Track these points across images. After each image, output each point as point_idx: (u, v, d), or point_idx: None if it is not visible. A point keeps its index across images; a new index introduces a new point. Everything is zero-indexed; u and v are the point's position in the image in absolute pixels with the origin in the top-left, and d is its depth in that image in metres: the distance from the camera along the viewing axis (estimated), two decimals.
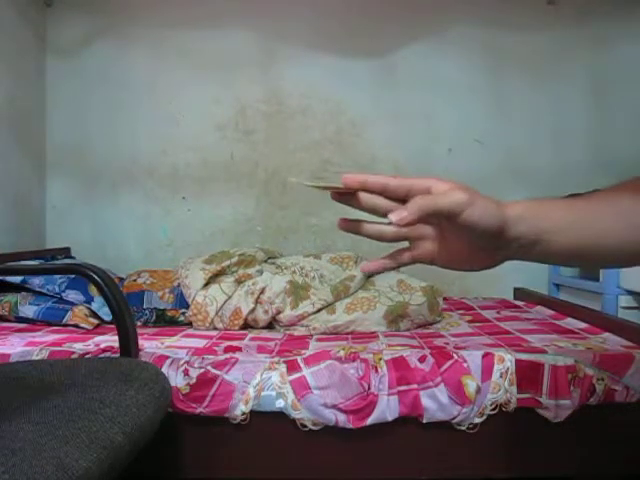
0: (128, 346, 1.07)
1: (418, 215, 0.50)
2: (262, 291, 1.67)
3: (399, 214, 0.50)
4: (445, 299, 1.94)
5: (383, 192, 0.54)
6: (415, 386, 1.13)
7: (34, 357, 1.22)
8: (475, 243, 0.54)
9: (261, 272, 1.79)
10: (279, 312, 1.65)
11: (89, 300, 1.72)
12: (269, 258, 1.96)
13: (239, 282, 1.74)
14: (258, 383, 1.15)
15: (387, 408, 1.12)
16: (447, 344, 1.36)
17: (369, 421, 1.12)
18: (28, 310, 1.68)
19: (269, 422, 1.15)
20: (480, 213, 0.51)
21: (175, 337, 1.52)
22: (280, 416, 1.14)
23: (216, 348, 1.33)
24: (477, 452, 1.15)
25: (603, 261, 0.61)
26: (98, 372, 0.93)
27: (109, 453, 0.70)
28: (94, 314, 1.70)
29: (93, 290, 1.72)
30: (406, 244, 0.58)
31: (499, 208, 0.52)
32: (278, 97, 2.40)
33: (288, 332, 1.62)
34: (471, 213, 0.50)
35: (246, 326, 1.68)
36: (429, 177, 0.54)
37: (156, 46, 2.40)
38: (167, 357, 1.19)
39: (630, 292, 1.87)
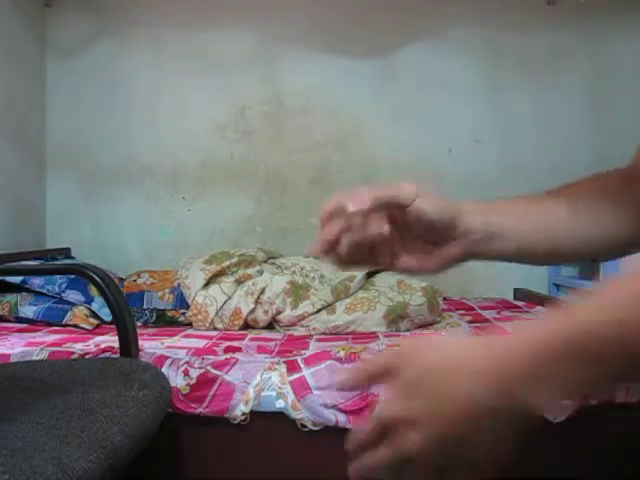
0: (128, 346, 1.07)
1: (371, 202, 0.52)
2: (262, 291, 1.67)
3: (354, 203, 0.52)
4: (445, 299, 1.94)
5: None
6: None
7: (34, 357, 1.22)
8: (428, 238, 0.56)
9: (261, 272, 1.79)
10: (279, 312, 1.65)
11: (89, 300, 1.72)
12: (269, 258, 1.96)
13: (239, 282, 1.74)
14: (258, 383, 1.15)
15: None
16: None
17: None
18: (28, 310, 1.68)
19: (269, 422, 1.15)
20: (429, 203, 0.54)
21: (175, 337, 1.52)
22: (280, 416, 1.14)
23: (216, 348, 1.34)
24: None
25: (562, 254, 0.62)
26: (98, 372, 0.93)
27: (109, 453, 0.70)
28: (94, 314, 1.70)
29: (93, 290, 1.72)
30: None
31: (450, 202, 0.55)
32: (278, 97, 2.40)
33: (288, 332, 1.62)
34: (420, 202, 0.53)
35: (246, 326, 1.68)
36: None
37: (156, 46, 2.40)
38: (167, 357, 1.19)
39: None
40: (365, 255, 0.56)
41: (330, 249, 0.55)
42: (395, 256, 0.58)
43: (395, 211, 0.55)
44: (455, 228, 0.55)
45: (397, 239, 0.57)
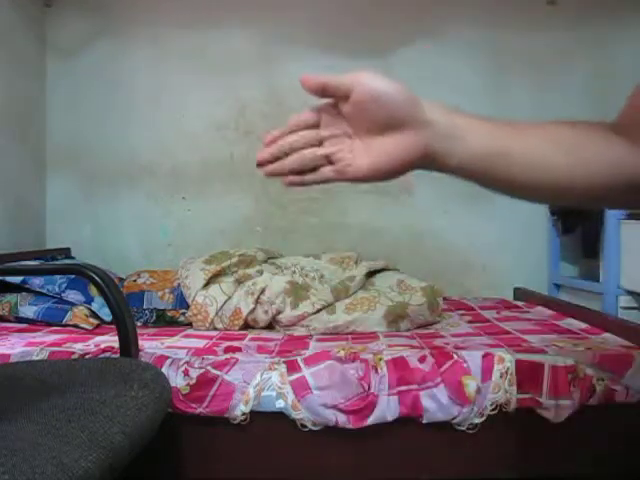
0: (128, 346, 1.07)
1: (323, 80, 0.52)
2: (262, 291, 1.67)
3: (307, 78, 0.54)
4: (445, 299, 1.94)
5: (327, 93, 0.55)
6: (415, 386, 1.13)
7: (34, 357, 1.22)
8: (388, 124, 0.52)
9: (261, 272, 1.79)
10: (279, 312, 1.65)
11: (89, 300, 1.72)
12: (269, 258, 1.96)
13: (239, 282, 1.74)
14: (258, 383, 1.15)
15: (387, 408, 1.12)
16: (447, 344, 1.36)
17: (369, 421, 1.12)
18: (28, 310, 1.68)
19: (269, 422, 1.15)
20: (383, 80, 0.52)
21: (175, 337, 1.52)
22: (280, 416, 1.14)
23: (216, 348, 1.34)
24: (477, 452, 1.15)
25: (535, 187, 0.57)
26: (98, 372, 0.93)
27: (109, 453, 0.70)
28: (94, 314, 1.70)
29: (93, 290, 1.72)
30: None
31: (406, 87, 0.53)
32: (278, 97, 2.40)
33: (288, 332, 1.62)
34: (374, 79, 0.52)
35: (246, 326, 1.68)
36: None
37: (156, 46, 2.40)
38: (167, 357, 1.19)
39: (630, 292, 1.87)
40: (317, 161, 0.55)
41: (275, 159, 0.56)
42: (345, 158, 0.54)
43: (345, 100, 0.53)
44: (414, 111, 0.52)
45: (350, 133, 0.54)
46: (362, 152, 0.54)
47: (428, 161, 0.54)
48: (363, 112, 0.53)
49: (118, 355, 1.09)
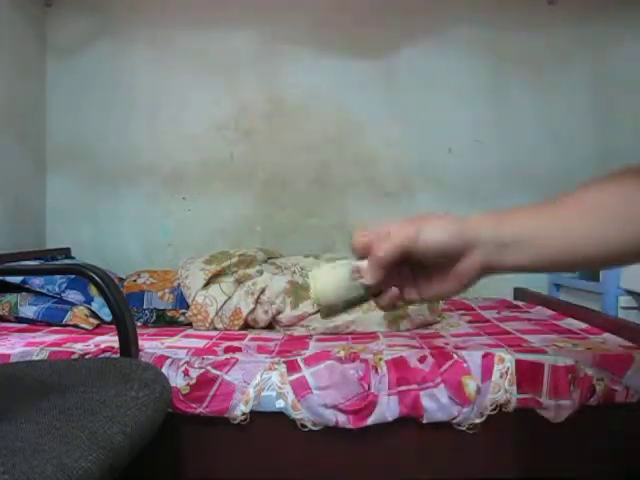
0: (128, 346, 1.07)
1: (382, 265, 0.55)
2: (262, 291, 1.67)
3: (369, 276, 0.55)
4: (445, 299, 1.94)
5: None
6: (415, 386, 1.13)
7: (34, 357, 1.22)
8: (445, 260, 0.56)
9: (261, 272, 1.79)
10: (279, 312, 1.65)
11: (89, 300, 1.72)
12: (269, 258, 1.96)
13: (239, 282, 1.74)
14: (258, 383, 1.15)
15: (387, 408, 1.12)
16: (447, 344, 1.36)
17: (369, 421, 1.12)
18: (28, 310, 1.68)
19: (269, 422, 1.15)
20: (432, 230, 0.55)
21: (175, 337, 1.52)
22: (280, 416, 1.14)
23: (216, 348, 1.34)
24: (477, 452, 1.15)
25: (583, 262, 0.60)
26: (98, 372, 0.93)
27: (109, 453, 0.70)
28: (94, 314, 1.70)
29: (93, 290, 1.72)
30: None
31: (452, 222, 0.56)
32: (278, 97, 2.40)
33: (288, 332, 1.62)
34: (423, 236, 0.55)
35: (246, 326, 1.68)
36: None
37: (156, 46, 2.40)
38: (167, 357, 1.19)
39: (630, 292, 1.87)
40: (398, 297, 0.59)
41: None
42: (418, 288, 0.59)
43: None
44: (465, 245, 0.55)
45: (416, 272, 0.58)
46: (426, 287, 0.59)
47: (486, 272, 0.58)
48: (426, 261, 0.57)
49: (118, 355, 1.09)
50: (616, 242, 0.56)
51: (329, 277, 0.58)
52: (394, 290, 0.57)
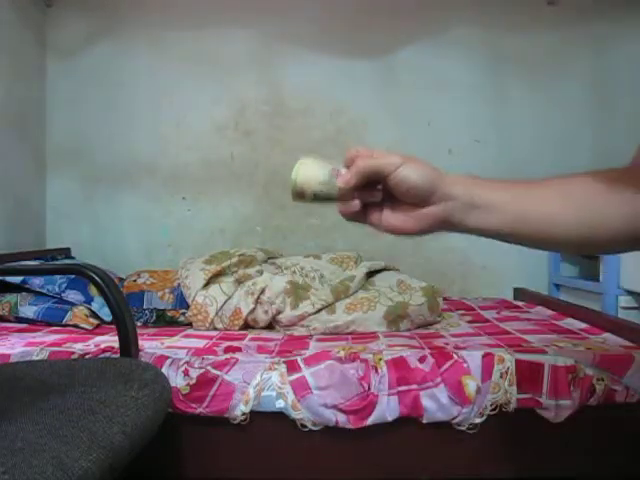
0: (128, 346, 1.07)
1: (359, 175, 0.61)
2: (262, 291, 1.67)
3: (344, 178, 0.62)
4: (445, 299, 1.94)
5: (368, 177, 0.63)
6: (415, 386, 1.13)
7: (34, 357, 1.22)
8: (411, 200, 0.62)
9: (261, 272, 1.79)
10: (279, 312, 1.65)
11: (89, 300, 1.72)
12: (269, 258, 1.96)
13: (239, 282, 1.74)
14: (258, 383, 1.15)
15: (387, 408, 1.12)
16: (447, 344, 1.36)
17: (369, 421, 1.12)
18: (28, 310, 1.68)
19: (269, 422, 1.15)
20: (413, 169, 0.61)
21: (175, 337, 1.52)
22: (280, 416, 1.14)
23: (216, 348, 1.34)
24: (477, 452, 1.15)
25: (549, 242, 0.65)
26: (98, 372, 0.93)
27: (109, 453, 0.70)
28: (94, 314, 1.70)
29: (93, 290, 1.72)
30: None
31: (434, 170, 0.62)
32: (278, 97, 2.40)
33: (288, 332, 1.62)
34: (403, 170, 0.61)
35: (246, 326, 1.68)
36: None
37: (156, 46, 2.40)
38: (167, 357, 1.19)
39: (630, 292, 1.87)
40: (360, 213, 0.65)
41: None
42: (382, 215, 0.65)
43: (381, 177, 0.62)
44: (434, 193, 0.61)
45: (385, 199, 0.64)
46: (389, 217, 0.65)
47: (448, 226, 0.64)
48: (396, 191, 0.62)
49: (118, 355, 1.09)
50: (573, 226, 0.62)
51: (313, 167, 0.65)
52: (356, 202, 0.63)
